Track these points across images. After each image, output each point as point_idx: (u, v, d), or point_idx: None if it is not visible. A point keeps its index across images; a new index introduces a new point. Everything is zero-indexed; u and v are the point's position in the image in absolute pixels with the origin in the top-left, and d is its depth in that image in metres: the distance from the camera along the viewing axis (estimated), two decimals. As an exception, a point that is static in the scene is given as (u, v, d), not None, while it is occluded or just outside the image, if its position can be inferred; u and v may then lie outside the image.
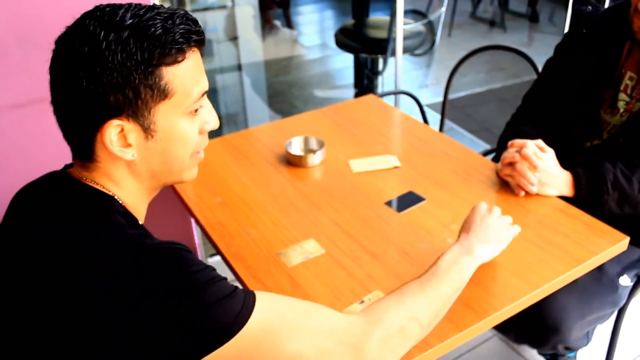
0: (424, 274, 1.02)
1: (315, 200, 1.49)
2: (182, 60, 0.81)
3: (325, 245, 1.31)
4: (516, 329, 1.53)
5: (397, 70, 2.45)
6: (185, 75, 0.82)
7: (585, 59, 1.63)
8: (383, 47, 2.77)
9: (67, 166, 0.92)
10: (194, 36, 0.81)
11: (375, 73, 3.00)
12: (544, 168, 1.42)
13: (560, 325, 1.41)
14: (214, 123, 0.92)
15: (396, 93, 2.29)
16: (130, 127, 0.81)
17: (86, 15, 0.80)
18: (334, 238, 1.33)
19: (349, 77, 4.28)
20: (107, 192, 0.86)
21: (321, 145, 1.67)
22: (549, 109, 1.71)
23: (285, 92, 4.11)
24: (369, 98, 2.10)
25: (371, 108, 2.02)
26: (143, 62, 0.77)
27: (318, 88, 4.17)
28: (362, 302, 1.14)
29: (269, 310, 0.81)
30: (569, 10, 3.00)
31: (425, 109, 2.30)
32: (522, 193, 1.45)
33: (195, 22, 0.83)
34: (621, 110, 1.57)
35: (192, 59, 0.83)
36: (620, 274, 1.52)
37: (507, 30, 5.68)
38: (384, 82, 3.26)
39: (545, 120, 1.70)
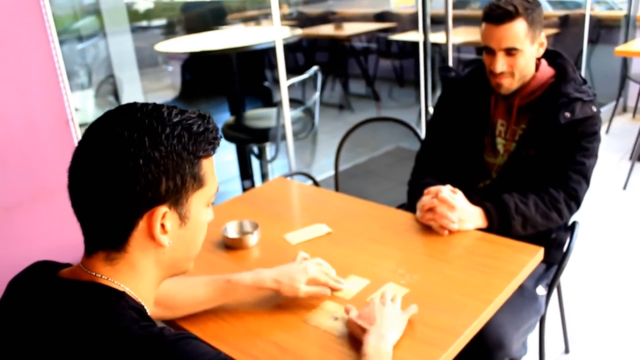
0: None
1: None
2: (212, 154, 0.93)
3: (295, 311, 1.40)
4: (462, 356, 1.70)
5: (290, 153, 2.64)
6: (211, 168, 0.94)
7: (461, 114, 1.94)
8: (270, 135, 2.98)
9: (53, 265, 0.94)
10: (220, 135, 0.94)
11: (269, 160, 3.18)
12: (459, 207, 1.66)
13: (503, 340, 1.61)
14: (212, 216, 1.02)
15: (294, 174, 2.47)
16: (170, 215, 0.89)
17: (127, 109, 0.87)
18: (301, 303, 1.42)
19: (227, 171, 4.43)
20: (117, 287, 0.88)
21: (255, 226, 1.78)
22: (441, 160, 1.99)
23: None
24: (277, 181, 2.26)
25: (283, 188, 2.17)
26: (192, 152, 0.87)
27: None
28: None
29: None
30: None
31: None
32: (446, 232, 1.66)
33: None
34: (502, 152, 1.88)
35: (213, 155, 0.95)
36: (536, 285, 1.78)
37: (355, 110, 6.22)
38: (270, 168, 3.45)
39: (440, 170, 1.97)
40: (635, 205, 3.61)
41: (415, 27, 5.96)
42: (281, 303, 1.42)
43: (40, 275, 0.92)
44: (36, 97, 1.70)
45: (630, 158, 4.05)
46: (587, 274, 2.86)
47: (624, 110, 5.34)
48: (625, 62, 4.84)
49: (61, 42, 1.78)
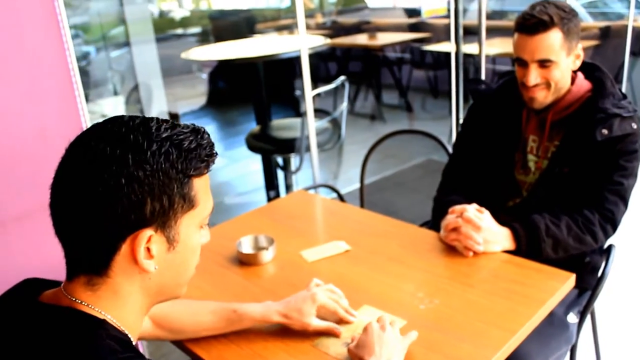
0: None
1: (281, 292, 1.51)
2: (206, 173, 0.85)
3: (303, 334, 1.33)
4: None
5: (314, 165, 2.58)
6: (205, 188, 0.86)
7: (491, 128, 1.84)
8: (294, 146, 2.92)
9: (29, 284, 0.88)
10: (215, 151, 0.86)
11: (293, 172, 3.13)
12: (486, 227, 1.56)
13: (530, 369, 1.50)
14: (208, 238, 0.94)
15: (317, 187, 2.40)
16: (157, 238, 0.81)
17: (111, 123, 0.81)
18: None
19: (253, 181, 4.39)
20: (97, 314, 0.82)
21: (271, 241, 1.71)
22: (468, 177, 1.89)
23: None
24: (298, 193, 2.20)
25: (303, 202, 2.10)
26: (182, 171, 0.80)
27: (226, 195, 4.23)
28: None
29: None
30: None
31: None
32: (471, 254, 1.57)
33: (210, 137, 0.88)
34: (533, 169, 1.78)
35: (207, 173, 0.87)
36: (567, 312, 1.66)
37: (387, 121, 6.13)
38: (295, 179, 3.40)
39: (468, 188, 1.87)
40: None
41: (449, 38, 5.88)
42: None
43: (21, 298, 0.86)
44: (50, 106, 1.67)
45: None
46: (623, 301, 2.71)
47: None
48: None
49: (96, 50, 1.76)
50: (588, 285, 1.75)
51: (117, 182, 0.76)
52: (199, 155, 0.82)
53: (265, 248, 1.70)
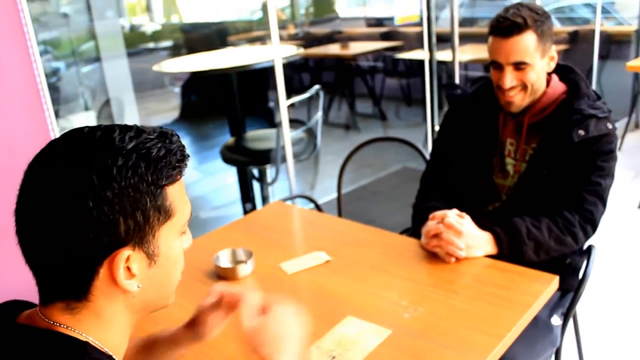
0: None
1: (262, 307, 1.47)
2: (180, 179, 0.80)
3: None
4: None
5: (290, 176, 2.55)
6: (180, 194, 0.80)
7: (468, 133, 1.83)
8: (269, 156, 2.89)
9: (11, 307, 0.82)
10: (186, 154, 0.80)
11: (269, 183, 3.09)
12: (467, 232, 1.55)
13: (517, 374, 1.49)
14: (190, 242, 0.89)
15: (294, 197, 2.37)
16: (136, 256, 0.76)
17: (72, 138, 0.75)
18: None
19: (228, 194, 4.34)
20: (78, 337, 0.77)
21: (249, 254, 1.67)
22: (447, 182, 1.88)
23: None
24: (275, 205, 2.16)
25: (281, 213, 2.07)
26: (153, 183, 0.74)
27: (201, 210, 4.17)
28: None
29: None
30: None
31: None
32: (453, 259, 1.55)
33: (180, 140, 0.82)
34: (511, 173, 1.77)
35: (181, 178, 0.82)
36: (550, 315, 1.65)
37: (361, 130, 6.14)
38: (271, 190, 3.36)
39: (447, 193, 1.86)
40: (652, 225, 3.47)
41: (422, 46, 5.91)
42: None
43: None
44: (18, 122, 1.62)
45: (645, 176, 3.92)
46: (602, 300, 2.72)
47: (636, 126, 5.22)
48: (637, 78, 4.74)
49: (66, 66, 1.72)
50: (570, 286, 1.74)
51: (84, 207, 0.70)
52: (170, 162, 0.76)
53: (243, 261, 1.66)
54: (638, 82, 4.61)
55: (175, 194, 0.79)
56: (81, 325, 0.77)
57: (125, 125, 0.78)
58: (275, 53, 2.48)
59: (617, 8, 5.88)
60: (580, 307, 1.94)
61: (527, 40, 1.61)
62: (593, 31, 4.55)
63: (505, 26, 1.61)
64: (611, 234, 3.31)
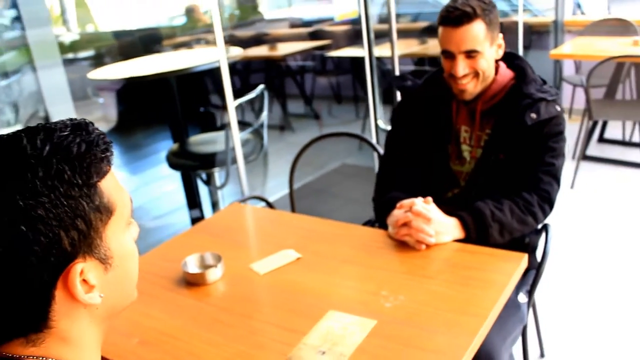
0: None
1: (236, 309, 1.44)
2: (109, 169, 0.72)
3: (273, 349, 1.28)
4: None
5: (242, 177, 2.52)
6: (115, 183, 0.73)
7: (422, 123, 1.87)
8: (218, 159, 2.84)
9: None
10: (109, 140, 0.72)
11: (219, 187, 3.04)
12: (435, 219, 1.58)
13: (492, 353, 1.53)
14: (137, 230, 0.82)
15: (248, 199, 2.34)
16: (89, 265, 0.70)
17: None
18: (279, 339, 1.30)
19: (170, 202, 4.23)
20: None
21: (218, 258, 1.64)
22: (404, 173, 1.91)
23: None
24: (233, 207, 2.12)
25: (240, 214, 2.04)
26: (84, 184, 0.67)
27: (141, 220, 4.05)
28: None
29: None
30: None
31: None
32: (423, 247, 1.57)
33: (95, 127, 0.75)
34: (468, 159, 1.82)
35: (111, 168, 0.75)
36: (517, 293, 1.71)
37: (296, 130, 6.14)
38: (221, 194, 3.31)
39: (405, 184, 1.88)
40: (584, 203, 3.66)
41: (351, 44, 5.96)
42: (260, 340, 1.30)
43: None
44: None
45: (574, 157, 4.12)
46: (558, 276, 2.85)
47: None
48: (558, 66, 4.98)
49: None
50: (530, 265, 1.81)
51: (18, 235, 0.63)
52: (95, 155, 0.69)
53: (213, 265, 1.63)
54: (560, 69, 4.84)
55: (110, 187, 0.72)
56: (49, 352, 0.71)
57: (29, 128, 0.69)
58: (221, 54, 2.44)
59: (530, 1, 6.16)
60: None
61: (477, 29, 1.66)
62: (516, 23, 4.74)
63: (456, 16, 1.66)
64: (562, 211, 3.46)
